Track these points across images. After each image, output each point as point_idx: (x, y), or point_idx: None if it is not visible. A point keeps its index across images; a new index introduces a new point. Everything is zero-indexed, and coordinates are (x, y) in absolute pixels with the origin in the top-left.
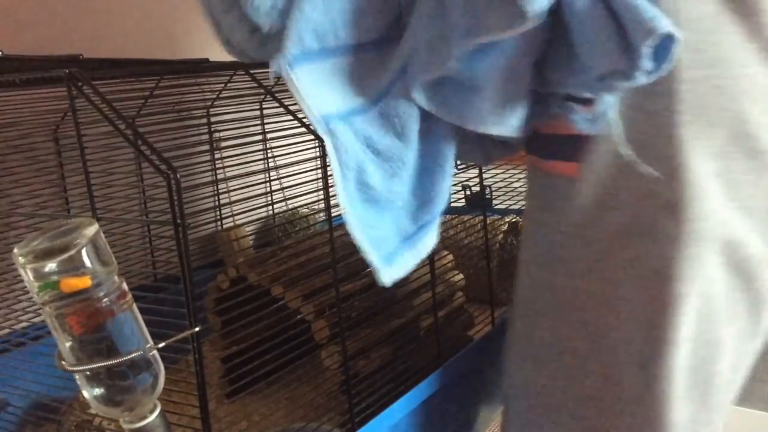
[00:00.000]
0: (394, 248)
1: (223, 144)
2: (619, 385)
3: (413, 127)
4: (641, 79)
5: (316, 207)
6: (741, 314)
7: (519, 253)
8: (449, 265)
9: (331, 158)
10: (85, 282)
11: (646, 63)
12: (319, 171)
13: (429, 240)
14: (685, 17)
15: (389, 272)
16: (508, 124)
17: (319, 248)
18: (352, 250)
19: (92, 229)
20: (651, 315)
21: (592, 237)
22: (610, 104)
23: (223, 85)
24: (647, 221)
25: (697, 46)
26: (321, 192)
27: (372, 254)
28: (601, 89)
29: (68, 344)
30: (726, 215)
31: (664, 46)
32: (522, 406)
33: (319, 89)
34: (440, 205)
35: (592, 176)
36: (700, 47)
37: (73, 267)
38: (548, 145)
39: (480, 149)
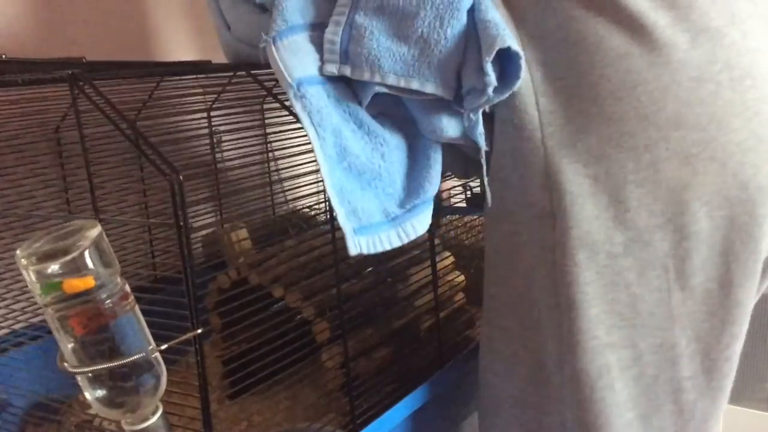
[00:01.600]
0: (377, 222)
1: (224, 145)
2: (547, 386)
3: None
4: (492, 96)
5: (317, 207)
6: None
7: None
8: (450, 265)
9: (303, 121)
10: (87, 283)
11: (491, 79)
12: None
13: (418, 223)
14: (533, 30)
15: (362, 242)
16: (451, 129)
17: (320, 248)
18: None
19: (95, 230)
20: (559, 320)
21: (498, 245)
22: (473, 120)
23: (223, 85)
24: (530, 230)
25: (547, 57)
26: (322, 193)
27: (345, 223)
28: (466, 106)
29: (70, 346)
30: (604, 220)
31: (513, 63)
32: (480, 403)
33: (296, 57)
34: (429, 191)
35: (492, 186)
36: (551, 57)
37: (76, 269)
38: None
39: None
